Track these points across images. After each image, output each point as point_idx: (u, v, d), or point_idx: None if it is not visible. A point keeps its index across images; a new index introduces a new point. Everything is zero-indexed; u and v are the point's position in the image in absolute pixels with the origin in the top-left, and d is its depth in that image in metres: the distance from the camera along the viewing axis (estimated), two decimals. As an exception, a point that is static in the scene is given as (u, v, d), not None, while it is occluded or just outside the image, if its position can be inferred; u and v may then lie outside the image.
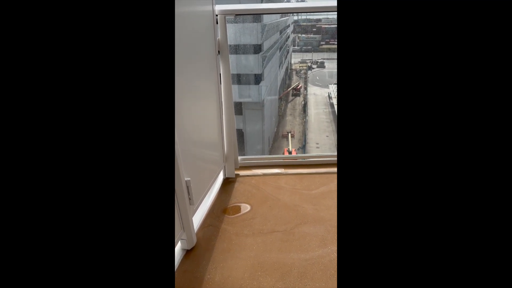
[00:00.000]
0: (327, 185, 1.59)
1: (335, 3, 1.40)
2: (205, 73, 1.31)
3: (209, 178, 1.43)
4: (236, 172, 1.73)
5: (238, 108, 11.26)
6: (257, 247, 1.19)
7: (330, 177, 1.68)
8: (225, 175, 1.70)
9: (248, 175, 1.72)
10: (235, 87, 10.34)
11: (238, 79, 10.59)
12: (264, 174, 1.72)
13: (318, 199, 1.48)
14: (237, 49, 10.06)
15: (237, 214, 1.39)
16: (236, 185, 1.63)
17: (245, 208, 1.44)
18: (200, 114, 1.29)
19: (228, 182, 1.65)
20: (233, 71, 10.08)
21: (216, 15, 1.36)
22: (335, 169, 1.73)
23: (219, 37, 1.40)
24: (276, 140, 13.90)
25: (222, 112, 1.55)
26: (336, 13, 1.35)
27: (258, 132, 11.92)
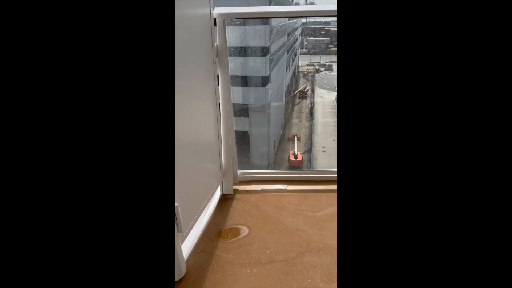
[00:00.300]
0: (333, 206, 1.45)
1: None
2: (201, 80, 1.18)
3: (204, 197, 1.30)
4: (235, 187, 1.60)
5: (244, 110, 11.13)
6: (254, 280, 1.06)
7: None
8: (222, 191, 1.57)
9: (248, 191, 1.59)
10: (240, 89, 10.21)
11: (245, 81, 10.46)
12: (265, 191, 1.59)
13: (323, 223, 1.34)
14: (244, 51, 9.94)
15: (233, 239, 1.26)
16: (234, 203, 1.50)
17: (243, 231, 1.30)
18: (195, 125, 1.16)
19: (225, 199, 1.52)
20: (240, 73, 9.96)
21: (214, 19, 1.23)
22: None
23: (217, 42, 1.28)
24: (282, 143, 13.73)
25: (220, 123, 1.42)
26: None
27: (264, 135, 11.77)
